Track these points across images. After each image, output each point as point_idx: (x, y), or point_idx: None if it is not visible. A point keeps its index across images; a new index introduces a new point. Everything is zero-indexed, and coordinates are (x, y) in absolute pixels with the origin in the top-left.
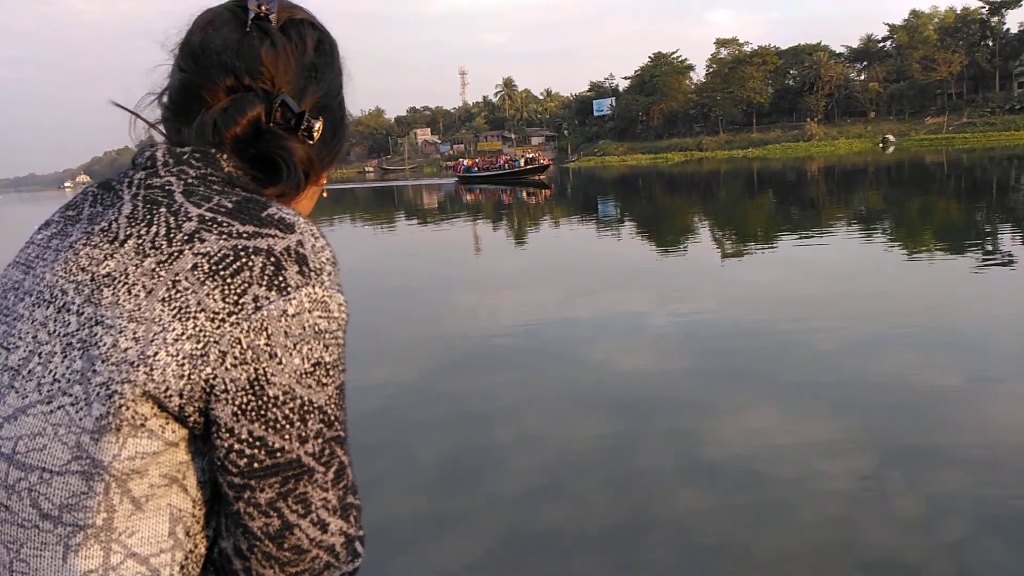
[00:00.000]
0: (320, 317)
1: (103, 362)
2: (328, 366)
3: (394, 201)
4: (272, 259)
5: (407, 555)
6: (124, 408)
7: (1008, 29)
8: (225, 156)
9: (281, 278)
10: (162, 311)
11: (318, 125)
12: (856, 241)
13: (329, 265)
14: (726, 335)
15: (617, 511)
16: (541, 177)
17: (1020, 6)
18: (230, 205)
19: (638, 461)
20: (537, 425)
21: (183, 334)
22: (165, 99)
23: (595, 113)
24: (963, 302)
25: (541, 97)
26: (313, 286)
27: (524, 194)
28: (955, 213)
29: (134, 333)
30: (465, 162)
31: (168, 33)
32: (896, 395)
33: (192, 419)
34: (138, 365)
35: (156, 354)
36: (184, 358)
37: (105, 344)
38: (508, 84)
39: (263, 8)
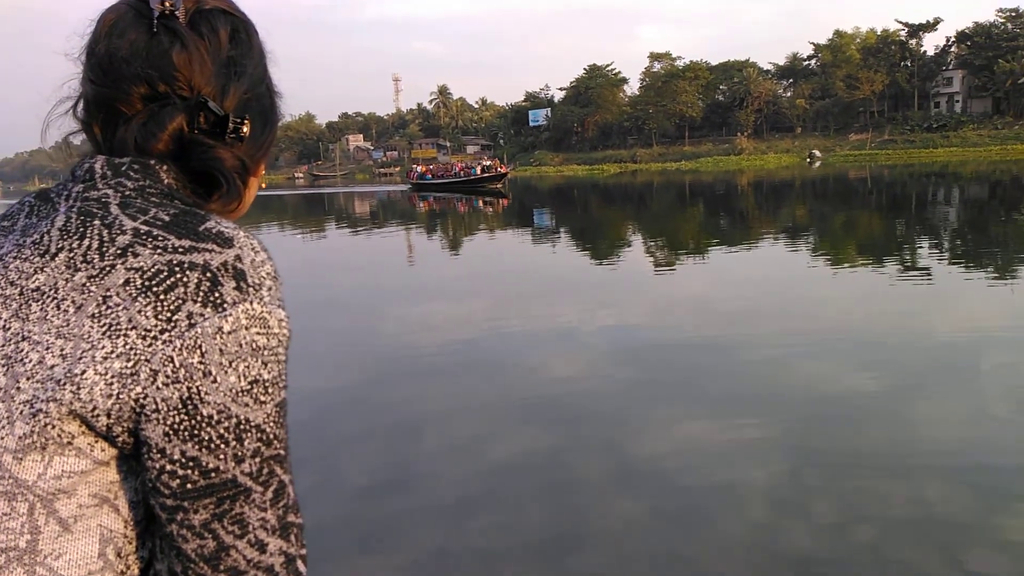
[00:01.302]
0: (258, 334)
1: (28, 379)
2: (267, 383)
3: (324, 208)
4: (208, 274)
5: (336, 568)
6: (49, 427)
7: (925, 51)
8: (165, 168)
9: (217, 294)
10: (91, 327)
11: (246, 126)
12: (781, 253)
13: (269, 280)
14: (656, 345)
15: (548, 521)
16: (498, 186)
17: (936, 30)
18: (167, 218)
19: (569, 470)
20: (468, 436)
21: (112, 352)
22: (80, 108)
23: (530, 123)
24: (881, 313)
25: (476, 106)
26: (251, 302)
27: (480, 203)
28: (876, 227)
29: (61, 350)
30: (419, 169)
31: (71, 39)
32: (816, 403)
33: (121, 439)
34: (64, 383)
35: (84, 372)
36: (113, 377)
37: (31, 361)
38: (443, 92)
39: (167, 4)
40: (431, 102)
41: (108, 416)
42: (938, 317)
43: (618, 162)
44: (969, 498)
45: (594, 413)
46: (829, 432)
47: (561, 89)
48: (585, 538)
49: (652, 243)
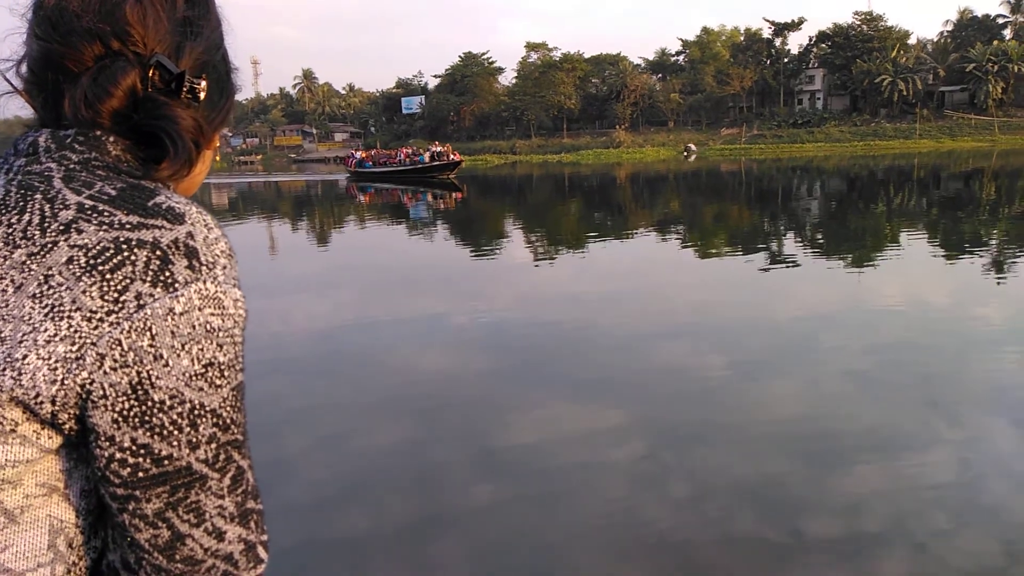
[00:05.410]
0: (212, 315)
1: None
2: (222, 366)
3: None
4: (158, 252)
5: None
6: None
7: (789, 50)
8: (112, 139)
9: (168, 273)
10: (32, 309)
11: (203, 84)
12: (651, 244)
13: (224, 258)
14: (521, 334)
15: (413, 511)
16: (451, 176)
17: (800, 29)
18: (113, 193)
19: (434, 460)
20: (331, 430)
21: (56, 335)
22: (24, 69)
23: (404, 111)
24: (738, 299)
25: (344, 92)
26: (204, 281)
27: (430, 196)
28: (744, 219)
29: (0, 333)
30: (358, 155)
31: None
32: (672, 385)
33: (67, 426)
34: (4, 369)
35: (25, 357)
36: (57, 362)
37: None
38: (308, 76)
39: None
40: (295, 87)
41: (52, 403)
42: (791, 302)
43: (497, 153)
44: (807, 467)
45: (457, 401)
46: (684, 412)
47: (436, 76)
48: (449, 524)
49: (527, 235)
